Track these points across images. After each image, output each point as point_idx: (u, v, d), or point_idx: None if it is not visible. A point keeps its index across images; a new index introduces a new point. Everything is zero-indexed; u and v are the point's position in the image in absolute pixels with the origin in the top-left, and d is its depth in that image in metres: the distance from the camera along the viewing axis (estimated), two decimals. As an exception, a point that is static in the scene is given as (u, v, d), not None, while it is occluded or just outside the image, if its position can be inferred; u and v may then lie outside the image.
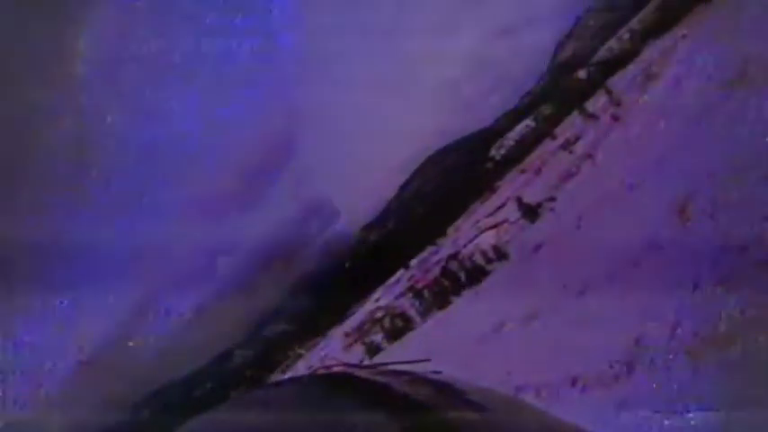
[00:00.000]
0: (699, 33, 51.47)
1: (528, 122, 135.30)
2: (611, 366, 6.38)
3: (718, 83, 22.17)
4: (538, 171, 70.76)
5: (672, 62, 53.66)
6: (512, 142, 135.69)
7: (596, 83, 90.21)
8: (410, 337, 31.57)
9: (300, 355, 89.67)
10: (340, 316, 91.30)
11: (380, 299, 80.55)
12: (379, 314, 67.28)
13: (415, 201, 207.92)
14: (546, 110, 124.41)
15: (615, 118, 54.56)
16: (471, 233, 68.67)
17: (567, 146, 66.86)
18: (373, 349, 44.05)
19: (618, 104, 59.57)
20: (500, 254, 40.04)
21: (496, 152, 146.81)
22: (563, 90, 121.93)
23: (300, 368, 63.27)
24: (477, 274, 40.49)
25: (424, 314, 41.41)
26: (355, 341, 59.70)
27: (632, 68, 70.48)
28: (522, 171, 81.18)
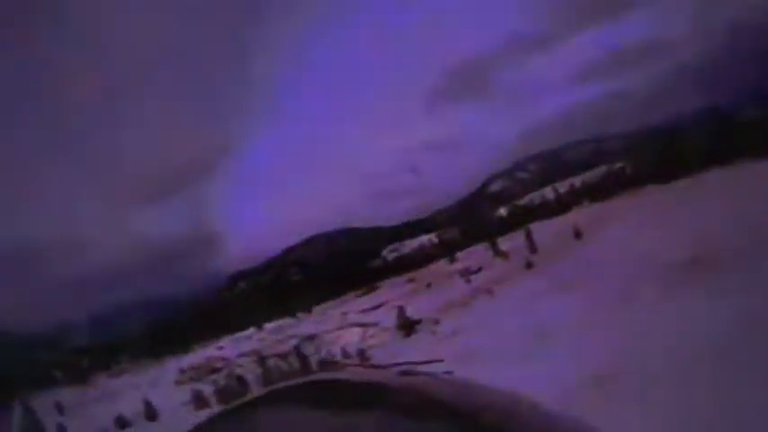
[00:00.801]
0: (640, 213, 50.29)
1: (432, 237, 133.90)
2: None
3: (653, 265, 21.71)
4: (428, 286, 67.51)
5: (601, 231, 51.36)
6: (407, 249, 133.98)
7: (515, 224, 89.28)
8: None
9: (124, 370, 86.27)
10: (182, 348, 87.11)
11: (224, 348, 76.53)
12: (218, 365, 63.97)
13: (294, 267, 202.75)
14: (453, 232, 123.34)
15: (528, 264, 51.52)
16: (337, 321, 65.07)
17: (465, 274, 63.80)
18: (199, 399, 40.96)
19: (533, 251, 56.65)
20: (362, 358, 35.98)
21: (388, 253, 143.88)
22: (479, 219, 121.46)
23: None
24: (330, 367, 36.12)
25: (262, 386, 41.11)
26: (188, 380, 59.13)
27: (559, 223, 69.23)
28: (411, 280, 77.91)
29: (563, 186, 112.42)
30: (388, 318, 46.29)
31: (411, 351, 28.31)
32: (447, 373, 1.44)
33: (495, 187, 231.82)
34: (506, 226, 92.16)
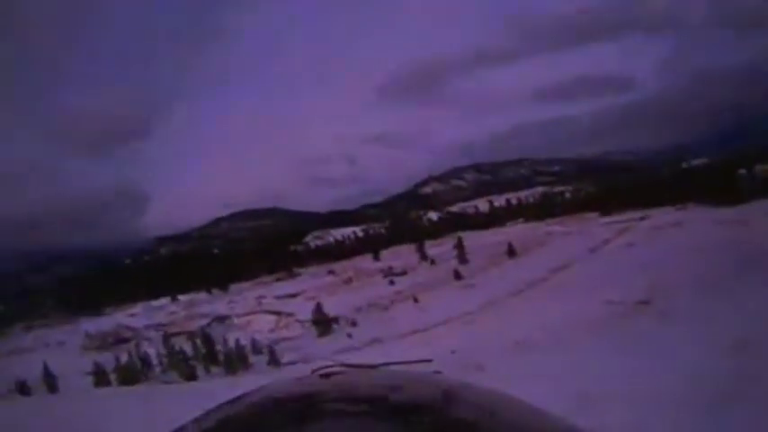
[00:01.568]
0: (575, 240, 49.28)
1: (358, 230, 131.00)
2: None
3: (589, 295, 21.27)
4: (348, 281, 64.54)
5: (535, 252, 49.79)
6: (332, 239, 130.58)
7: (445, 230, 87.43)
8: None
9: (31, 327, 79.99)
10: (94, 309, 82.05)
11: (136, 316, 71.92)
12: (127, 334, 59.35)
13: (216, 240, 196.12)
14: (381, 228, 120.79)
15: (457, 275, 49.38)
16: (251, 304, 61.44)
17: (389, 274, 61.12)
18: (100, 375, 37.78)
19: (463, 261, 54.59)
20: (272, 358, 32.66)
21: (312, 239, 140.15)
22: (408, 219, 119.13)
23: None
24: (236, 361, 32.71)
25: (165, 371, 37.50)
26: (93, 348, 55.47)
27: (491, 237, 67.76)
28: (331, 272, 74.69)
29: (499, 201, 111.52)
30: (304, 310, 42.97)
31: (324, 352, 25.10)
32: (437, 373, 1.39)
33: (428, 190, 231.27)
34: (436, 231, 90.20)
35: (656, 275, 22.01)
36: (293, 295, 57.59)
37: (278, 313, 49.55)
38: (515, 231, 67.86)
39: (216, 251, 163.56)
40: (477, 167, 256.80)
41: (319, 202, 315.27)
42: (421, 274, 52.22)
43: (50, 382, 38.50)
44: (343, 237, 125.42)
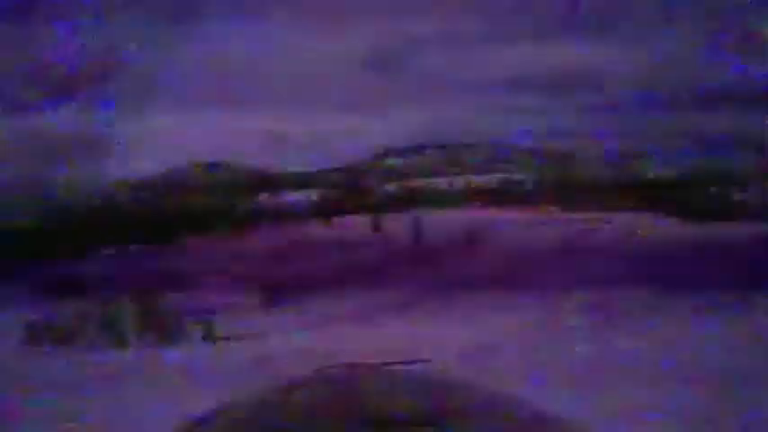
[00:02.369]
0: (534, 232, 48.38)
1: (312, 193, 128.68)
2: None
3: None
4: (294, 246, 62.30)
5: (493, 240, 48.50)
6: (284, 200, 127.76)
7: (400, 204, 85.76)
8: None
9: None
10: (44, 257, 78.10)
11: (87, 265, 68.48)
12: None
13: (172, 189, 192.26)
14: (336, 194, 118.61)
15: (413, 257, 47.52)
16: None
17: (339, 244, 59.07)
18: (32, 331, 35.35)
19: (417, 242, 52.82)
20: (209, 332, 29.86)
21: (265, 199, 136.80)
22: (363, 190, 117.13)
23: None
24: (172, 328, 30.13)
25: (99, 334, 35.03)
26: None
27: (448, 219, 66.24)
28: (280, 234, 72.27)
29: (457, 182, 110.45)
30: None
31: (269, 327, 23.27)
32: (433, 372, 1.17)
33: (388, 162, 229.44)
34: (391, 204, 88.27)
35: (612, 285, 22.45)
36: (237, 257, 54.72)
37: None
38: (473, 214, 66.54)
39: (166, 204, 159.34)
40: (438, 146, 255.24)
41: (277, 162, 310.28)
42: (373, 249, 50.23)
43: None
44: (296, 199, 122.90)
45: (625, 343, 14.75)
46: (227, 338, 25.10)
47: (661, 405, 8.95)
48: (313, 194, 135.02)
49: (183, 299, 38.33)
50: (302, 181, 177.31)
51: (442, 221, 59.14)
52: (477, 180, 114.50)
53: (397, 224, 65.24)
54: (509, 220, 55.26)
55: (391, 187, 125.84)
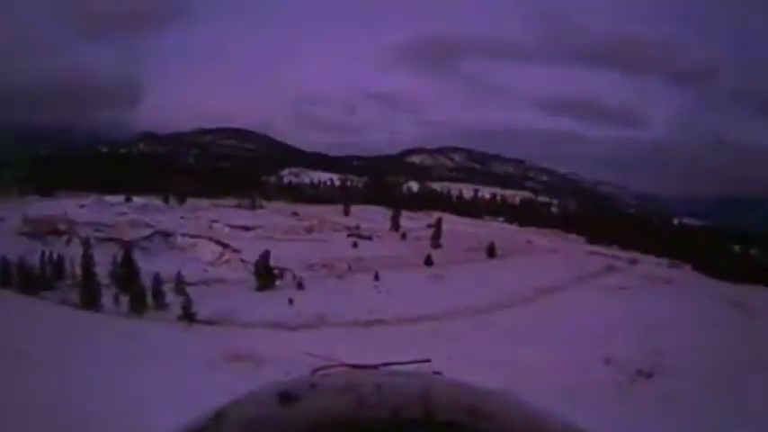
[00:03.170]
0: (557, 259, 46.62)
1: (335, 178, 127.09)
2: None
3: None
4: (309, 229, 60.41)
5: (516, 258, 46.63)
6: (307, 180, 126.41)
7: (423, 204, 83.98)
8: None
9: None
10: (46, 192, 77.74)
11: (86, 207, 65.09)
12: (62, 227, 51.29)
13: (195, 149, 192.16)
14: (359, 183, 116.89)
15: (429, 260, 45.19)
16: (202, 226, 55.82)
17: (354, 234, 56.58)
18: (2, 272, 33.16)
19: (436, 245, 51.01)
20: (187, 312, 27.59)
21: (287, 175, 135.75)
22: (387, 183, 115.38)
23: None
24: (147, 299, 28.38)
25: (71, 287, 32.28)
26: (26, 232, 50.87)
27: (470, 224, 64.58)
28: (295, 214, 70.56)
29: (483, 192, 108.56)
30: (252, 250, 38.53)
31: (255, 316, 21.33)
32: (436, 373, 1.21)
33: (415, 159, 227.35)
34: (413, 202, 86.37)
35: (657, 341, 19.93)
36: (247, 228, 53.12)
37: (224, 245, 45.07)
38: (495, 228, 64.80)
39: (191, 160, 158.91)
40: (468, 152, 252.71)
41: (306, 140, 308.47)
42: (387, 245, 48.49)
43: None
44: (319, 181, 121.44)
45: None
46: (211, 322, 23.07)
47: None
48: (336, 179, 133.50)
49: (169, 264, 36.49)
50: (327, 162, 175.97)
51: (462, 228, 57.40)
52: (504, 194, 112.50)
53: (415, 224, 63.45)
54: (532, 241, 53.26)
55: (415, 185, 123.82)
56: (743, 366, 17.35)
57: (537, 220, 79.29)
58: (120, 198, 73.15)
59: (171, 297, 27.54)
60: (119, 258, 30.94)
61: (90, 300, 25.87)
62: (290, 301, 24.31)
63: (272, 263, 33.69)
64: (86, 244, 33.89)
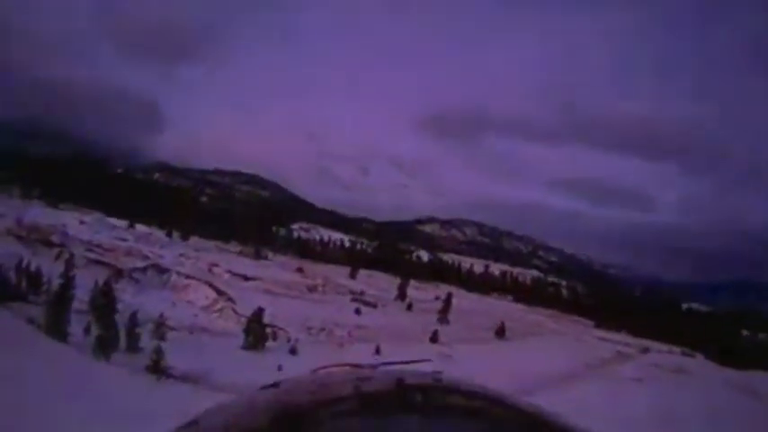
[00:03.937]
0: (567, 344, 44.59)
1: (346, 239, 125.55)
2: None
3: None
4: (312, 288, 58.21)
5: (525, 340, 44.33)
6: (317, 237, 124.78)
7: (431, 275, 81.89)
8: None
9: None
10: (51, 201, 76.76)
11: (86, 224, 63.38)
12: (55, 239, 50.37)
13: (210, 189, 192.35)
14: (368, 247, 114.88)
15: (434, 338, 42.43)
16: (199, 269, 53.83)
17: (358, 300, 54.47)
18: None
19: (444, 321, 48.63)
20: (156, 365, 24.84)
21: (297, 229, 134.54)
22: (397, 251, 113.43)
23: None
24: (115, 340, 26.04)
25: (39, 305, 31.09)
26: (12, 236, 48.18)
27: (478, 301, 62.34)
28: (299, 270, 68.47)
29: (494, 268, 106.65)
30: (248, 302, 36.27)
31: (243, 373, 18.96)
32: (436, 373, 1.34)
33: (426, 229, 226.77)
34: (421, 272, 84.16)
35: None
36: (248, 278, 50.86)
37: (220, 292, 42.63)
38: (503, 307, 62.60)
39: (204, 199, 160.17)
40: (479, 226, 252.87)
41: (319, 196, 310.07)
42: (392, 315, 46.11)
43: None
44: (329, 239, 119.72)
45: None
46: (185, 379, 20.41)
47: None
48: (346, 240, 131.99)
49: (157, 302, 34.14)
50: (338, 221, 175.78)
51: (471, 305, 55.38)
52: (514, 271, 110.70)
53: (422, 295, 61.29)
54: (540, 324, 50.91)
55: (425, 255, 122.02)
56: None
57: (546, 301, 78.22)
58: (124, 223, 71.78)
59: (147, 340, 25.13)
60: (100, 284, 28.15)
61: (55, 325, 23.28)
62: (280, 368, 21.77)
63: (267, 320, 31.41)
64: (69, 262, 31.18)
